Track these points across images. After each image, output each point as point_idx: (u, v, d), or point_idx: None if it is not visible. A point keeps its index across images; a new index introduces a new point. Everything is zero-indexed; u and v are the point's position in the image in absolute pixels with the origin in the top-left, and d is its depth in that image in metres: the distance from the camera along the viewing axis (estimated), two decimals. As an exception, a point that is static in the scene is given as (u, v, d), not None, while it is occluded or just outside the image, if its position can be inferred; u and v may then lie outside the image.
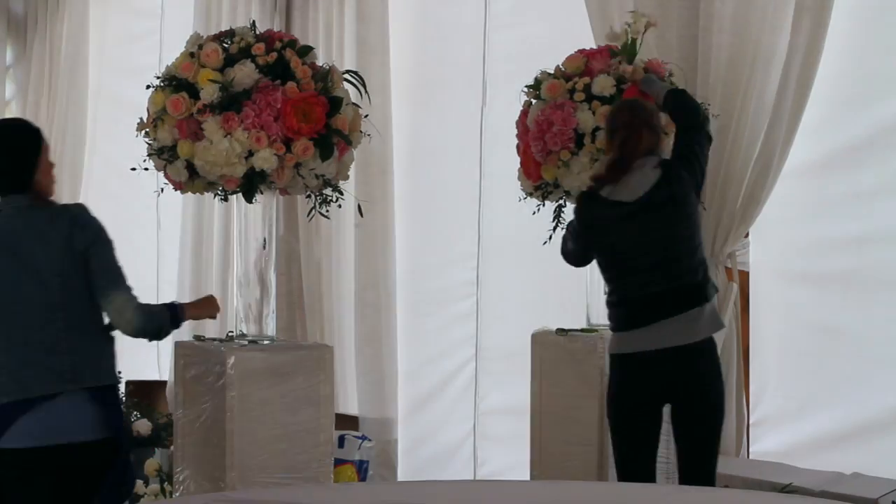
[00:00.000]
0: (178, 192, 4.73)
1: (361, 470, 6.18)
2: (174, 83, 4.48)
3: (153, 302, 3.99)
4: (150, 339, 4.00)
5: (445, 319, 6.82)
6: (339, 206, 4.70)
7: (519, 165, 5.12)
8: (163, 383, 7.68)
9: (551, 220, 5.07)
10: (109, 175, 8.38)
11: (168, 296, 6.90)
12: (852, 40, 5.32)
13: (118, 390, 4.01)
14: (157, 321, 3.86)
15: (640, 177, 4.38)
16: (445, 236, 6.84)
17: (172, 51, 4.80)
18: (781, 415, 5.63)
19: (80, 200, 8.78)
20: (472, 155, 6.55)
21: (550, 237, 5.03)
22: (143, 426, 6.00)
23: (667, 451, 4.87)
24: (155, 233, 8.29)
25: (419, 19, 7.02)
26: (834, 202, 5.44)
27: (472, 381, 6.72)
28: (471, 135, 6.57)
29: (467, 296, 6.73)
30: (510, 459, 6.17)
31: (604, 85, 4.78)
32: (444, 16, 6.90)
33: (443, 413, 6.80)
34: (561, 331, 5.12)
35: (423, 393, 6.87)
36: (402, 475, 6.75)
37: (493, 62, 6.54)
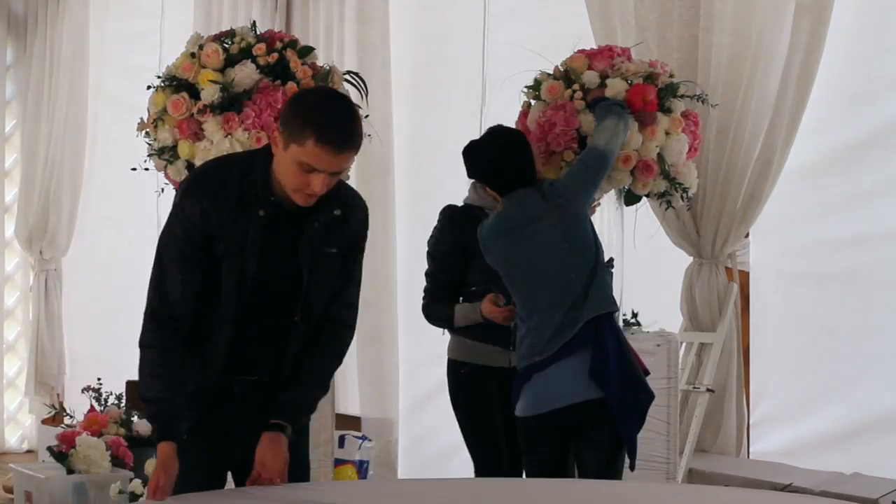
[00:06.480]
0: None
1: (362, 470, 6.18)
2: (175, 83, 4.48)
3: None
4: None
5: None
6: (340, 206, 4.68)
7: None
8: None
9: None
10: (110, 175, 8.37)
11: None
12: (853, 40, 5.32)
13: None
14: None
15: None
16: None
17: (172, 51, 4.80)
18: (781, 415, 5.63)
19: (80, 200, 8.80)
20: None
21: None
22: (143, 426, 5.98)
23: (667, 451, 4.86)
24: (155, 233, 8.26)
25: (419, 19, 7.01)
26: (834, 202, 5.44)
27: None
28: (471, 135, 6.54)
29: None
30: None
31: (618, 89, 4.73)
32: (444, 16, 6.89)
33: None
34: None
35: (426, 392, 6.86)
36: (405, 473, 6.74)
37: (493, 62, 6.53)
